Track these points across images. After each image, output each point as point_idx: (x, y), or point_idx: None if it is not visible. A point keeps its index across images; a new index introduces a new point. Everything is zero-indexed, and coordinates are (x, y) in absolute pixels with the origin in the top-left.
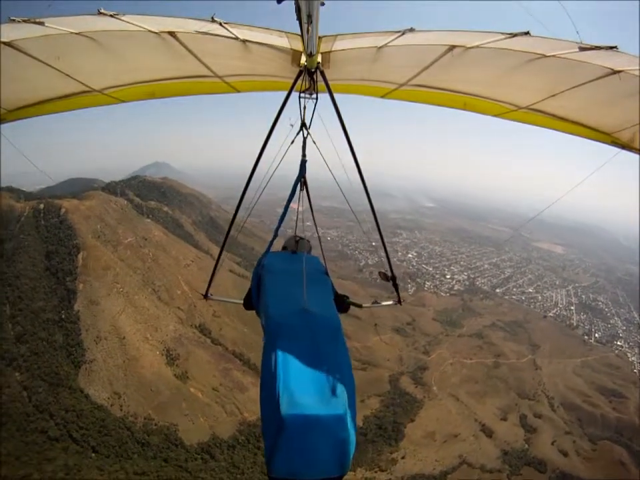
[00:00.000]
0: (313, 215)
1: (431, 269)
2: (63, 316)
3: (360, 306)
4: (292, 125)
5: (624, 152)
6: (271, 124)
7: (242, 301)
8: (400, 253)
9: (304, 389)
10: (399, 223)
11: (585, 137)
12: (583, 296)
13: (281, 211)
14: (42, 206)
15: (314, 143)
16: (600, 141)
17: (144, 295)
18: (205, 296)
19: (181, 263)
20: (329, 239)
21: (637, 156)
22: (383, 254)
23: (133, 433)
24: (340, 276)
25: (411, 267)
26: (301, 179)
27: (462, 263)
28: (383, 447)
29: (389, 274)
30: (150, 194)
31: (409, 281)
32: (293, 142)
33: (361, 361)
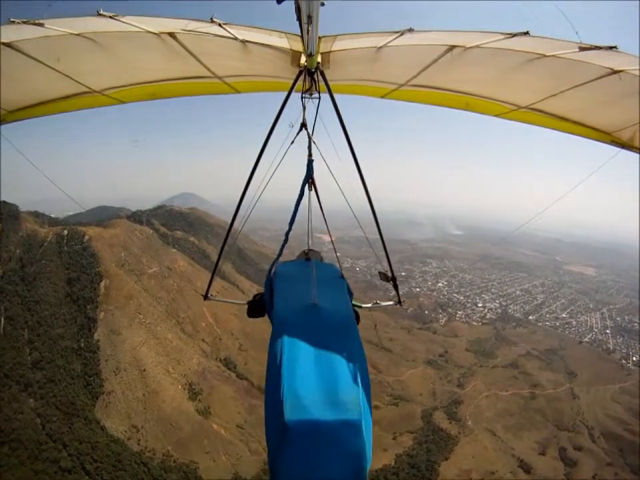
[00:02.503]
0: (324, 216)
1: (461, 297)
2: (82, 344)
3: (359, 307)
4: (292, 126)
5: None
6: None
7: (242, 302)
8: (430, 282)
9: (310, 390)
10: (428, 251)
11: (585, 137)
12: (618, 318)
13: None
14: (65, 232)
15: (314, 143)
16: (600, 141)
17: (167, 327)
18: (205, 297)
19: None
20: (357, 269)
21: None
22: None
23: (150, 469)
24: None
25: (441, 297)
26: (309, 179)
27: (493, 290)
28: None
29: (389, 274)
30: (176, 223)
31: (440, 311)
32: (292, 142)
33: (392, 395)
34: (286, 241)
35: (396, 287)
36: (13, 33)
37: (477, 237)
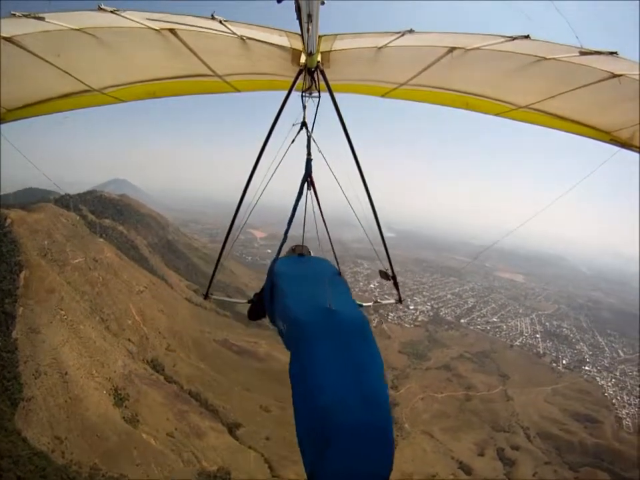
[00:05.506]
0: (322, 215)
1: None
2: None
3: (360, 305)
4: (293, 124)
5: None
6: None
7: (243, 301)
8: (362, 283)
9: (347, 394)
10: (359, 252)
11: (584, 136)
12: (547, 323)
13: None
14: None
15: (315, 142)
16: (599, 139)
17: (90, 325)
18: (205, 296)
19: (134, 288)
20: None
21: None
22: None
23: None
24: None
25: (373, 298)
26: (307, 178)
27: (424, 293)
28: None
29: (390, 273)
30: (105, 211)
31: (372, 312)
32: (293, 141)
33: None
34: (284, 240)
35: (396, 285)
36: (14, 27)
37: (409, 240)
